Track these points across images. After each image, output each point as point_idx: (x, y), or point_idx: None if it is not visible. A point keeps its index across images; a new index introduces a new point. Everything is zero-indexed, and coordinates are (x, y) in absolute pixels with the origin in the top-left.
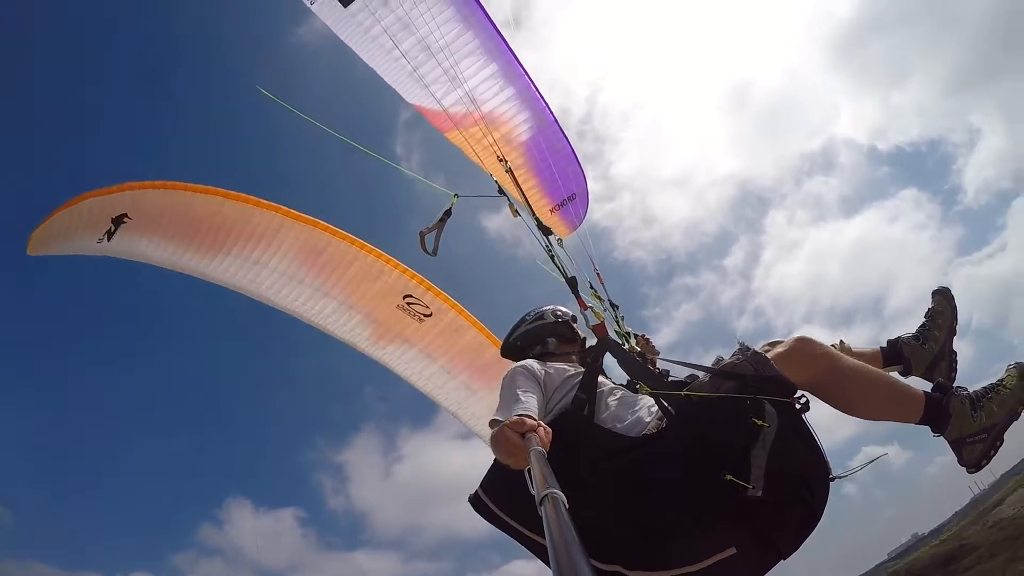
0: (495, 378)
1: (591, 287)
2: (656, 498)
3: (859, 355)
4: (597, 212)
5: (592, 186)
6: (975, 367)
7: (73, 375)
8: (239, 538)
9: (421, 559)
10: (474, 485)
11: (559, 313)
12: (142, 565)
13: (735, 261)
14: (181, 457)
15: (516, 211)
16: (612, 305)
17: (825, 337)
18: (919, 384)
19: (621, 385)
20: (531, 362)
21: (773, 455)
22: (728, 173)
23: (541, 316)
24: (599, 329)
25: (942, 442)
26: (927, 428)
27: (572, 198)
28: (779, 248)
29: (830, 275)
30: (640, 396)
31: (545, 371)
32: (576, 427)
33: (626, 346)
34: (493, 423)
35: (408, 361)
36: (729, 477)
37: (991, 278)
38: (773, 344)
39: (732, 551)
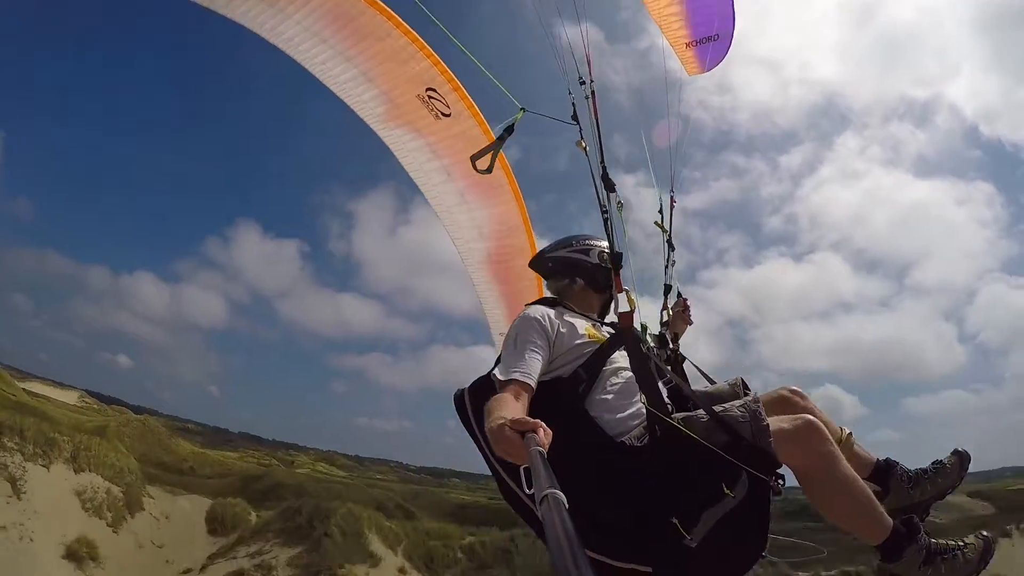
0: (491, 197)
1: (659, 212)
2: (606, 503)
3: (856, 456)
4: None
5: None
6: (961, 373)
7: (109, 87)
8: (241, 257)
9: (401, 318)
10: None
11: (606, 256)
12: (146, 266)
13: (791, 162)
14: (202, 174)
15: (585, 145)
16: (670, 245)
17: (842, 275)
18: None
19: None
20: (548, 314)
21: (722, 522)
22: (821, 78)
23: (587, 250)
24: (624, 318)
25: (899, 418)
26: (896, 407)
27: (714, 38)
28: (839, 171)
29: (875, 220)
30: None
31: (558, 330)
32: (563, 402)
33: (651, 336)
34: (496, 380)
35: (412, 150)
36: (675, 521)
37: (1020, 308)
38: (783, 398)
39: (649, 570)
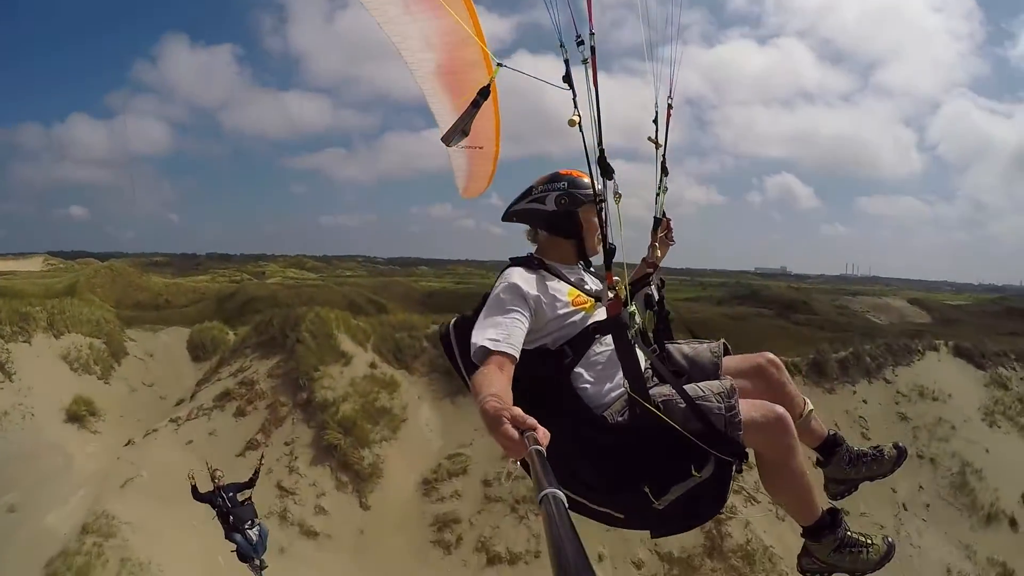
0: (439, 8)
1: (654, 122)
2: (583, 466)
3: (811, 431)
4: None
5: None
6: (915, 181)
7: None
8: (173, 75)
9: (350, 109)
10: None
11: (564, 199)
12: (77, 107)
13: None
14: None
15: (579, 118)
16: (663, 168)
17: (806, 63)
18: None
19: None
20: (530, 280)
21: (687, 495)
22: None
23: (544, 197)
24: (612, 306)
25: (851, 214)
26: (849, 203)
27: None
28: None
29: (844, 11)
30: None
31: (540, 299)
32: (547, 372)
33: (635, 322)
34: (479, 349)
35: None
36: (646, 490)
37: (983, 130)
38: (759, 368)
39: (621, 516)
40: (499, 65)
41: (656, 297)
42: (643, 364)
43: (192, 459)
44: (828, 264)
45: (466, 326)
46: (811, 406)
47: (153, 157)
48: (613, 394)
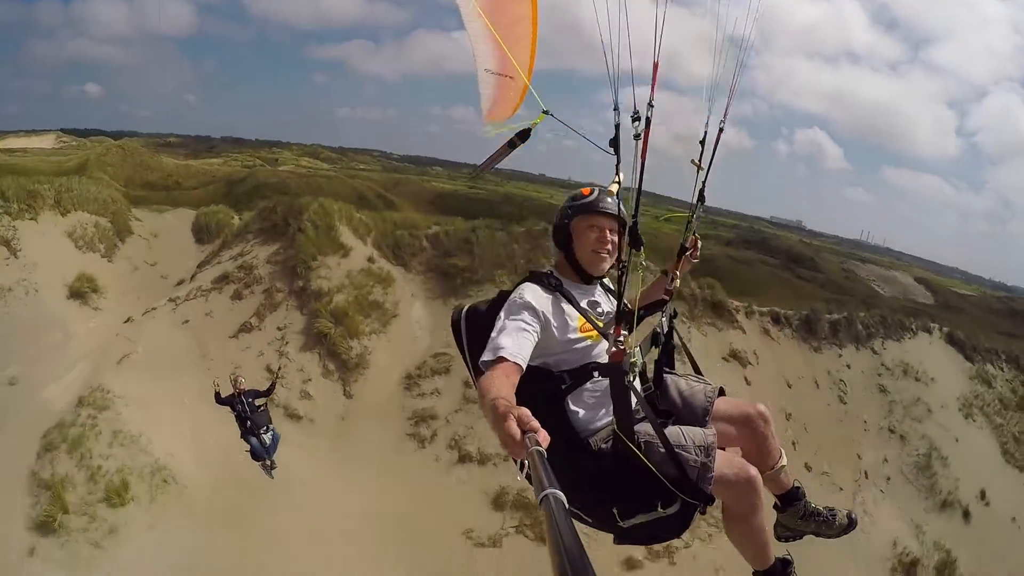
0: None
1: (701, 142)
2: (561, 479)
3: (778, 481)
4: None
5: None
6: (947, 164)
7: None
8: None
9: (384, 2)
10: None
11: (564, 212)
12: None
13: None
14: None
15: (619, 181)
16: (700, 197)
17: (859, 24)
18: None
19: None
20: (544, 300)
21: (652, 523)
22: None
23: (557, 214)
24: (615, 355)
25: (876, 182)
26: (875, 171)
27: None
28: None
29: None
30: None
31: (552, 321)
32: (546, 390)
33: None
34: (483, 362)
35: None
36: (614, 511)
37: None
38: (748, 418)
39: (588, 519)
40: (545, 113)
41: (664, 331)
42: (634, 403)
43: (188, 338)
44: (844, 227)
45: (476, 316)
46: (785, 461)
47: (175, 37)
48: (601, 423)
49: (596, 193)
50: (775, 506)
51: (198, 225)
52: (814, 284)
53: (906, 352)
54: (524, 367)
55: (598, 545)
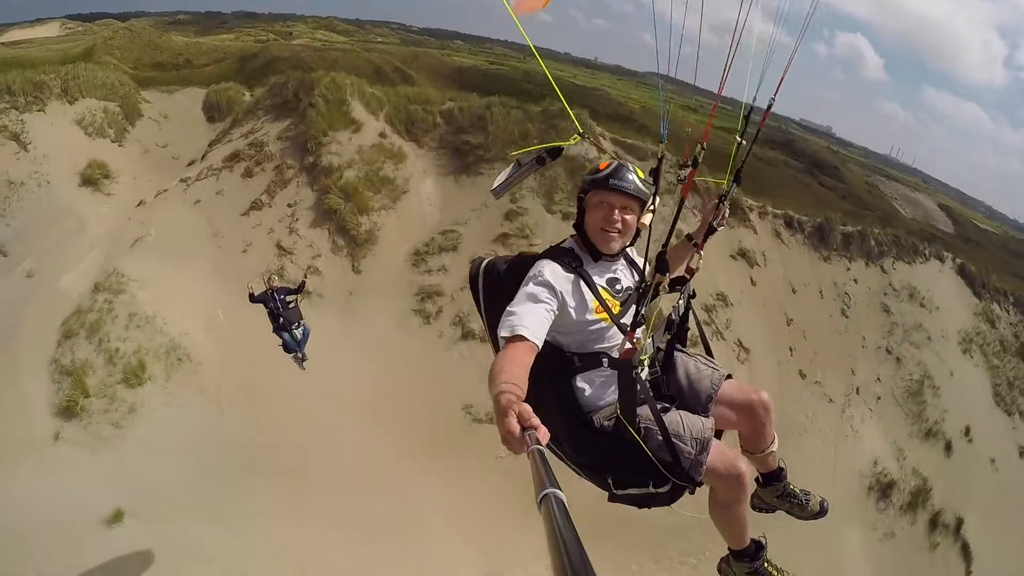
0: None
1: (746, 118)
2: (561, 437)
3: (764, 462)
4: None
5: None
6: (989, 94)
7: None
8: None
9: None
10: None
11: (581, 184)
12: None
13: None
14: None
15: (652, 210)
16: (736, 178)
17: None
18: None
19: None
20: (562, 278)
21: (642, 495)
22: None
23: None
24: (626, 352)
25: (913, 101)
26: (914, 88)
27: None
28: None
29: None
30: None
31: (569, 301)
32: (556, 365)
33: (645, 364)
34: (501, 338)
35: None
36: (609, 480)
37: None
38: (751, 406)
39: (585, 476)
40: (580, 135)
41: (680, 313)
42: (639, 391)
43: (199, 218)
44: (875, 140)
45: (494, 273)
46: (775, 446)
47: None
48: (605, 402)
49: (612, 167)
50: (757, 480)
51: (209, 103)
52: (836, 193)
53: (915, 276)
54: (540, 345)
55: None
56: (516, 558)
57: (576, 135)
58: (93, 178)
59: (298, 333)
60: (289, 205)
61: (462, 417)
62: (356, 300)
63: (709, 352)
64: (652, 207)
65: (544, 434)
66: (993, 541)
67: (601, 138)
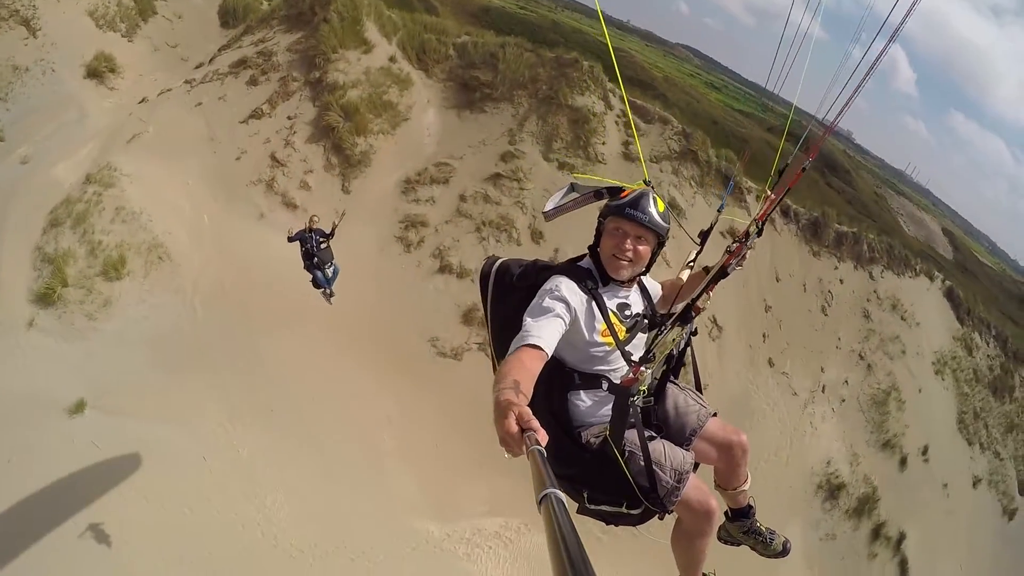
0: None
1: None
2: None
3: (734, 499)
4: None
5: None
6: (1018, 131)
7: None
8: None
9: None
10: None
11: (602, 213)
12: None
13: None
14: None
15: (689, 264)
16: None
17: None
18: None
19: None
20: (577, 298)
21: (613, 513)
22: None
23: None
24: (626, 381)
25: (935, 121)
26: (940, 110)
27: None
28: None
29: None
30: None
31: (582, 321)
32: (555, 378)
33: (643, 394)
34: (514, 345)
35: None
36: (584, 493)
37: None
38: (729, 446)
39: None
40: (646, 183)
41: (679, 350)
42: (630, 416)
43: (198, 121)
44: (893, 154)
45: (506, 275)
46: (747, 486)
47: None
48: (595, 419)
49: (634, 196)
50: (726, 514)
51: (225, 8)
52: (842, 196)
53: (901, 289)
54: (550, 354)
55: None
56: (463, 510)
57: (643, 182)
58: (99, 71)
59: (329, 272)
60: (289, 118)
61: (427, 348)
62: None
63: (700, 388)
64: (691, 262)
65: (543, 436)
66: (931, 563)
67: (611, 95)
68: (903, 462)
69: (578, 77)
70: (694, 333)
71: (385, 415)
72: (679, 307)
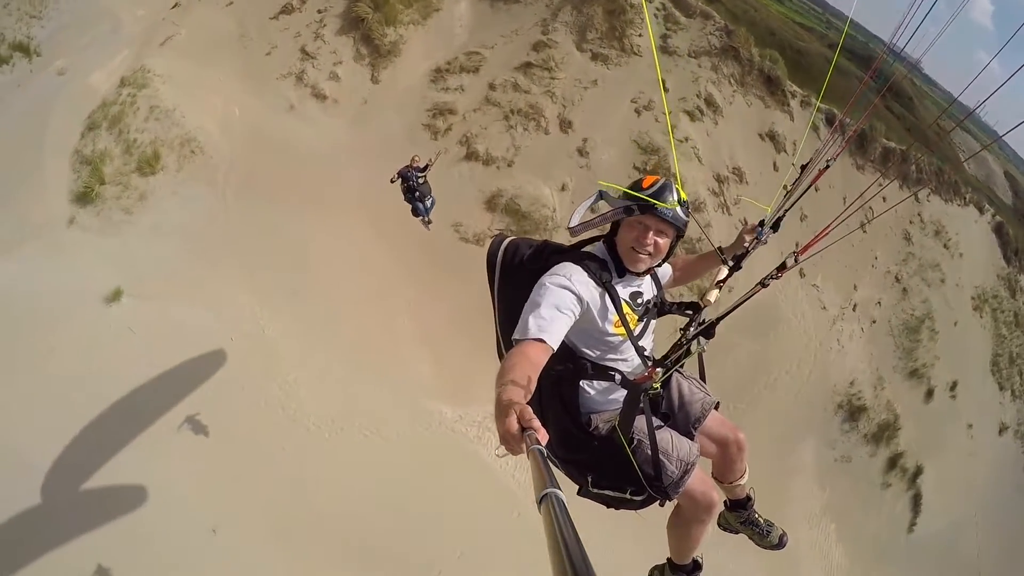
0: None
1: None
2: (550, 436)
3: (733, 491)
4: None
5: None
6: None
7: None
8: None
9: None
10: None
11: (626, 207)
12: None
13: None
14: None
15: (715, 292)
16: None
17: None
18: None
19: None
20: (589, 289)
21: (615, 498)
22: None
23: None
24: (641, 378)
25: (1013, 60)
26: None
27: None
28: None
29: None
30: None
31: (593, 310)
32: (566, 365)
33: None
34: (514, 340)
35: None
36: (588, 477)
37: None
38: (725, 443)
39: (561, 469)
40: (680, 204)
41: (688, 342)
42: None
43: (230, 19)
44: (961, 88)
45: (515, 255)
46: (744, 480)
47: None
48: (605, 407)
49: (657, 187)
50: (725, 503)
51: None
52: (901, 121)
53: (947, 215)
54: (555, 348)
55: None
56: (476, 395)
57: (677, 201)
58: None
59: (428, 204)
60: (319, 11)
61: (450, 233)
62: (369, 109)
63: (704, 378)
64: (720, 282)
65: (543, 435)
66: (946, 504)
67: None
68: (929, 394)
69: None
70: (703, 324)
71: (405, 299)
72: (699, 320)
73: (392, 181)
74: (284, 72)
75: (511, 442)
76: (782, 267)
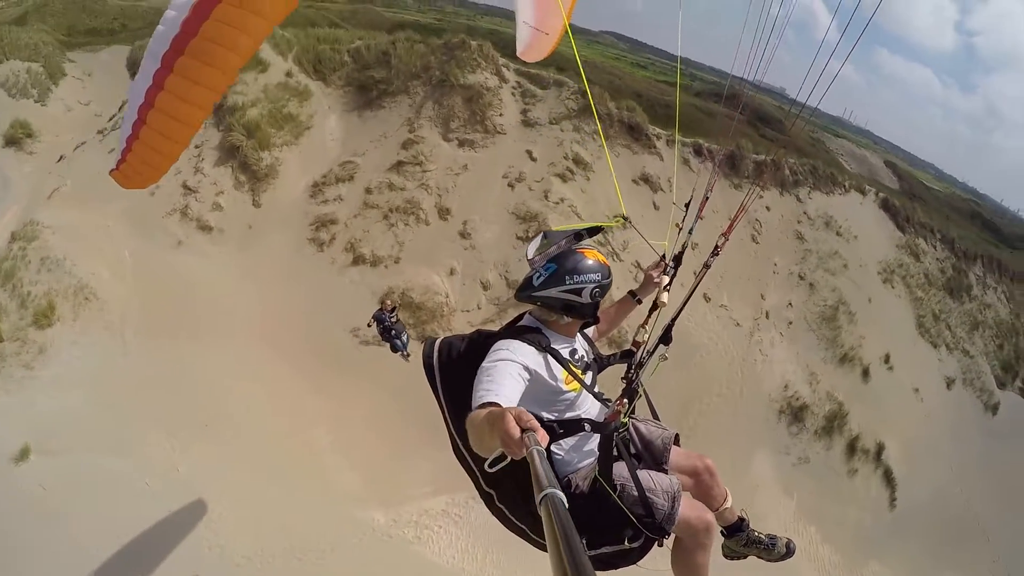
0: None
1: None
2: (528, 498)
3: (724, 517)
4: None
5: None
6: (940, 58)
7: None
8: None
9: None
10: None
11: (597, 292)
12: None
13: None
14: None
15: (665, 297)
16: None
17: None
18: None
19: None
20: (534, 360)
21: (613, 554)
22: None
23: (579, 290)
24: (610, 416)
25: (864, 61)
26: (866, 50)
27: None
28: None
29: None
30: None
31: (542, 377)
32: None
33: (626, 426)
34: (475, 404)
35: None
36: (583, 540)
37: None
38: (696, 471)
39: (539, 540)
40: (624, 219)
41: (634, 383)
42: (616, 450)
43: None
44: (827, 102)
45: (451, 350)
46: (729, 503)
47: None
48: (579, 464)
49: (608, 269)
50: (722, 532)
51: (132, 59)
52: (776, 144)
53: (831, 206)
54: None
55: None
56: (407, 493)
57: (619, 217)
58: (16, 137)
59: (404, 339)
60: (196, 146)
61: (349, 339)
62: (255, 233)
63: (656, 417)
64: (667, 288)
65: (543, 436)
66: (917, 469)
67: (504, 68)
68: (865, 373)
69: (467, 57)
70: (642, 367)
71: (318, 412)
72: (647, 338)
73: (369, 325)
74: (169, 209)
75: (512, 445)
76: (715, 251)
